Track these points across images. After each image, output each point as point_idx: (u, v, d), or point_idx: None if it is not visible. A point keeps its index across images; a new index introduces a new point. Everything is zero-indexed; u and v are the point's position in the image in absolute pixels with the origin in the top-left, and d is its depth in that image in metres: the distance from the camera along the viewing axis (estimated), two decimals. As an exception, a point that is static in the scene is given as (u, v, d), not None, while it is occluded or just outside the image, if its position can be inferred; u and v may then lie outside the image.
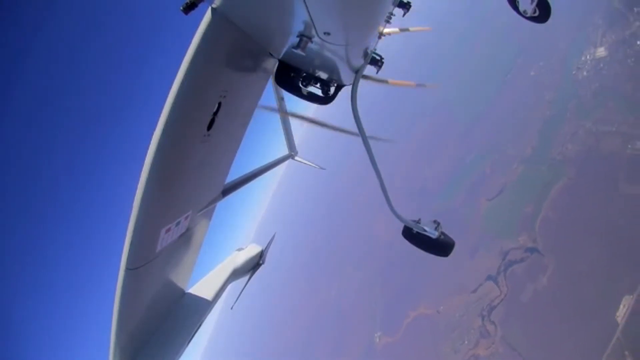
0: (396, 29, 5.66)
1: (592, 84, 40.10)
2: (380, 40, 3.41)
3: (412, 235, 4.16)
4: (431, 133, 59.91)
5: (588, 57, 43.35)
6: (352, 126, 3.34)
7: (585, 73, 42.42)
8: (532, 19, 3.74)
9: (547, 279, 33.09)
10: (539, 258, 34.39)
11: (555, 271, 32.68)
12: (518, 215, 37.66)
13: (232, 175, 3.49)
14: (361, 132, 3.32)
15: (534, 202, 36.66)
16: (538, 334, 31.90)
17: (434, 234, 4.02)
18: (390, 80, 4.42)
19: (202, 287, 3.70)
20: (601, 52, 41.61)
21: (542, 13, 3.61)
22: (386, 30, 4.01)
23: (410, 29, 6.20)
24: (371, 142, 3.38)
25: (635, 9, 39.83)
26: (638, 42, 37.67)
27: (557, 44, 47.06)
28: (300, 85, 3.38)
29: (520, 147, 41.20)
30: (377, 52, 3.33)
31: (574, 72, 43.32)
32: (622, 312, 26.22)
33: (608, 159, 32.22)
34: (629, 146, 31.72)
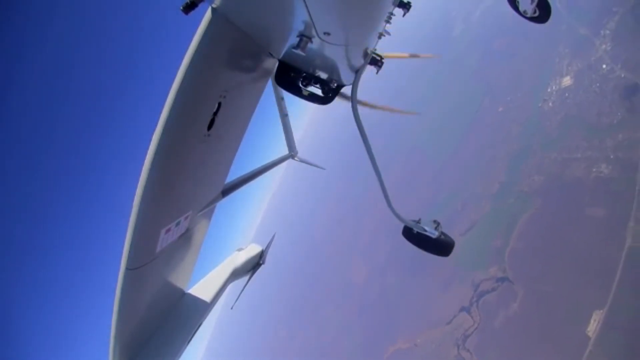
0: (405, 54, 5.60)
1: (558, 114, 41.76)
2: (380, 40, 3.42)
3: (412, 235, 4.16)
4: (405, 174, 63.20)
5: (554, 87, 44.79)
6: (353, 126, 3.33)
7: (551, 104, 43.90)
8: (532, 19, 3.74)
9: (518, 304, 34.88)
10: (509, 286, 36.35)
11: (526, 296, 34.46)
12: (488, 248, 39.76)
13: (232, 175, 3.50)
14: (361, 132, 3.32)
15: (503, 234, 38.78)
16: (512, 355, 33.47)
17: (434, 234, 4.03)
18: (379, 106, 4.43)
19: (202, 287, 3.70)
20: (567, 81, 42.99)
21: (542, 13, 3.61)
22: (394, 54, 4.01)
23: (420, 55, 6.17)
24: (371, 142, 3.38)
25: (602, 32, 41.11)
26: (604, 66, 38.78)
27: (523, 78, 49.30)
28: (300, 85, 3.38)
29: (488, 183, 43.34)
30: (377, 52, 3.33)
31: (540, 105, 44.94)
32: (592, 327, 27.39)
33: (573, 184, 33.75)
34: (594, 170, 32.90)
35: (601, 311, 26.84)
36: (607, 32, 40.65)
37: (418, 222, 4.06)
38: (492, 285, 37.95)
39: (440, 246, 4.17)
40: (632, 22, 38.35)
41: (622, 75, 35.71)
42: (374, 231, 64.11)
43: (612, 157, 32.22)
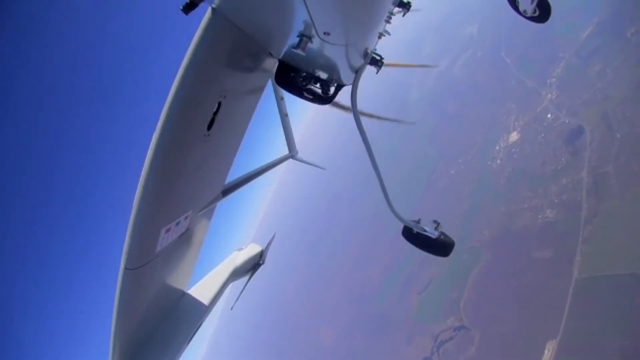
0: (403, 63, 5.61)
1: (505, 170, 44.31)
2: (380, 40, 3.41)
3: (412, 236, 4.15)
4: (366, 240, 67.28)
5: (502, 144, 47.33)
6: (353, 126, 3.33)
7: (498, 161, 46.38)
8: (532, 19, 3.74)
9: (475, 347, 37.10)
10: (466, 332, 38.78)
11: (482, 339, 36.74)
12: (445, 301, 42.65)
13: (232, 175, 3.49)
14: (361, 132, 3.32)
15: (457, 287, 41.48)
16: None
17: (433, 234, 4.02)
18: (375, 115, 4.44)
19: (202, 287, 3.69)
20: (514, 136, 45.40)
21: (542, 13, 3.61)
22: (391, 62, 4.01)
23: (418, 65, 6.21)
24: (371, 142, 3.39)
25: (548, 81, 43.66)
26: (549, 116, 41.00)
27: (474, 139, 52.30)
28: (300, 85, 3.38)
29: None
30: (377, 52, 3.33)
31: (488, 163, 47.63)
32: (547, 356, 29.02)
33: (521, 233, 36.03)
34: (539, 216, 34.93)
35: (554, 340, 28.49)
36: (553, 79, 43.36)
37: (418, 222, 4.06)
38: (450, 334, 40.76)
39: (440, 246, 4.17)
40: (578, 64, 41.03)
41: (567, 121, 37.86)
42: (321, 340, 67.68)
43: (556, 201, 34.41)
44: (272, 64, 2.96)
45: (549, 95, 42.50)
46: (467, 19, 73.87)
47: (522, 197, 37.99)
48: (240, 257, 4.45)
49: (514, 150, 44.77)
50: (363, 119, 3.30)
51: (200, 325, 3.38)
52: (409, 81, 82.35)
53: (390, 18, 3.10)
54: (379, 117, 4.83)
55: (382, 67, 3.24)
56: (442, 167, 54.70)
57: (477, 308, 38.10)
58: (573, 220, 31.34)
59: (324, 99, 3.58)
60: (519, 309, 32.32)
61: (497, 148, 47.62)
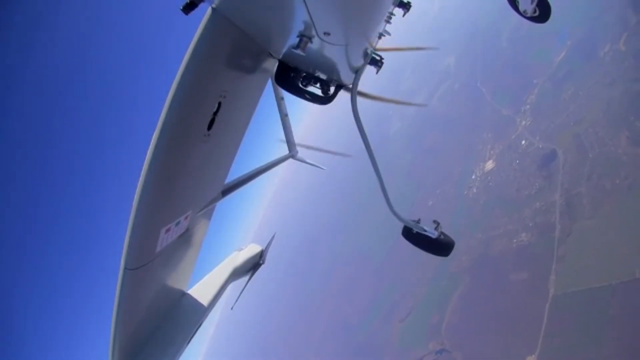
0: (403, 47, 5.52)
1: (481, 197, 45.57)
2: (380, 40, 3.41)
3: (412, 235, 4.15)
4: (349, 274, 69.84)
5: (478, 173, 48.58)
6: (354, 126, 3.33)
7: (475, 190, 47.60)
8: (532, 19, 3.74)
9: None
10: (448, 355, 39.61)
11: None
12: (426, 326, 43.68)
13: (232, 175, 3.49)
14: (361, 132, 3.32)
15: (439, 312, 42.61)
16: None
17: (433, 234, 4.02)
18: (383, 98, 4.41)
19: (202, 287, 3.69)
20: (489, 165, 46.63)
21: (542, 13, 3.61)
22: (391, 47, 3.99)
23: (417, 47, 6.12)
24: (371, 142, 3.39)
25: (523, 108, 45.01)
26: (523, 142, 42.37)
27: (451, 169, 54.02)
28: (300, 85, 3.38)
29: (424, 270, 47.63)
30: (377, 52, 3.33)
31: (465, 192, 48.89)
32: None
33: (497, 257, 37.36)
34: (514, 240, 36.24)
35: (533, 355, 29.36)
36: (527, 106, 44.79)
37: (418, 222, 4.06)
38: (432, 358, 41.61)
39: (439, 246, 4.17)
40: (551, 89, 42.33)
41: (540, 146, 39.15)
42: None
43: (531, 224, 35.59)
44: (272, 64, 2.95)
45: (523, 122, 44.10)
46: (444, 51, 76.20)
47: (498, 223, 39.49)
48: (240, 257, 4.45)
49: (489, 178, 46.05)
50: (366, 105, 3.28)
51: (200, 325, 3.38)
52: (391, 114, 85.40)
53: (390, 18, 3.10)
54: (387, 100, 4.73)
55: (383, 63, 3.24)
56: (420, 200, 56.74)
57: (458, 331, 39.25)
58: (547, 242, 32.59)
59: (324, 99, 3.58)
60: (498, 329, 33.41)
61: (473, 177, 49.15)
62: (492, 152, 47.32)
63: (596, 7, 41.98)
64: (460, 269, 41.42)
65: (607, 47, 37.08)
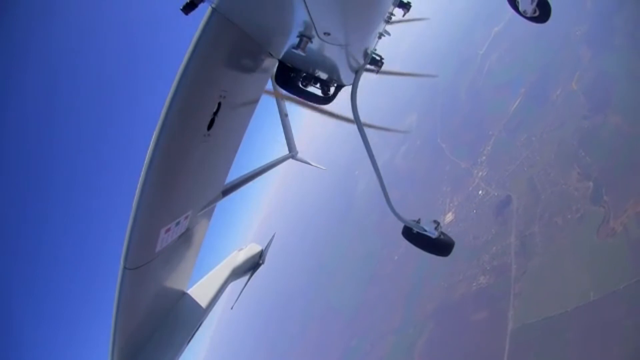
0: (402, 72, 5.54)
1: None
2: (380, 40, 3.41)
3: (412, 235, 4.16)
4: (321, 325, 72.43)
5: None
6: (353, 126, 3.34)
7: None
8: (532, 19, 3.74)
9: None
10: None
11: None
12: None
13: (232, 175, 3.49)
14: (361, 132, 3.32)
15: (406, 358, 44.53)
16: None
17: (433, 234, 4.02)
18: (395, 71, 4.38)
19: (202, 287, 3.69)
20: (449, 216, 47.73)
21: (542, 13, 3.61)
22: (391, 71, 3.96)
23: (416, 74, 6.24)
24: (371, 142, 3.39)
25: (479, 159, 47.34)
26: (479, 192, 44.45)
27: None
28: (300, 85, 3.38)
29: (391, 320, 49.83)
30: (377, 52, 3.33)
31: None
32: None
33: (459, 301, 39.37)
34: (474, 284, 38.31)
35: None
36: (484, 157, 46.90)
37: (418, 222, 4.06)
38: None
39: (439, 246, 4.17)
40: (506, 138, 44.21)
41: (496, 194, 41.42)
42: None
43: (488, 268, 37.42)
44: (272, 64, 2.95)
45: (480, 173, 46.16)
46: (407, 109, 78.19)
47: (458, 270, 41.30)
48: (240, 257, 4.44)
49: (449, 229, 46.70)
50: (362, 115, 3.31)
51: (200, 325, 3.37)
52: (357, 174, 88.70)
53: (390, 18, 3.10)
54: (374, 127, 4.85)
55: (380, 70, 3.25)
56: (386, 256, 59.06)
57: (424, 375, 42.31)
58: (504, 281, 34.52)
59: (324, 99, 3.58)
60: (463, 364, 36.42)
61: (434, 233, 51.69)
62: (451, 204, 49.22)
63: (551, 48, 43.69)
64: (425, 317, 43.85)
65: (559, 90, 39.08)
